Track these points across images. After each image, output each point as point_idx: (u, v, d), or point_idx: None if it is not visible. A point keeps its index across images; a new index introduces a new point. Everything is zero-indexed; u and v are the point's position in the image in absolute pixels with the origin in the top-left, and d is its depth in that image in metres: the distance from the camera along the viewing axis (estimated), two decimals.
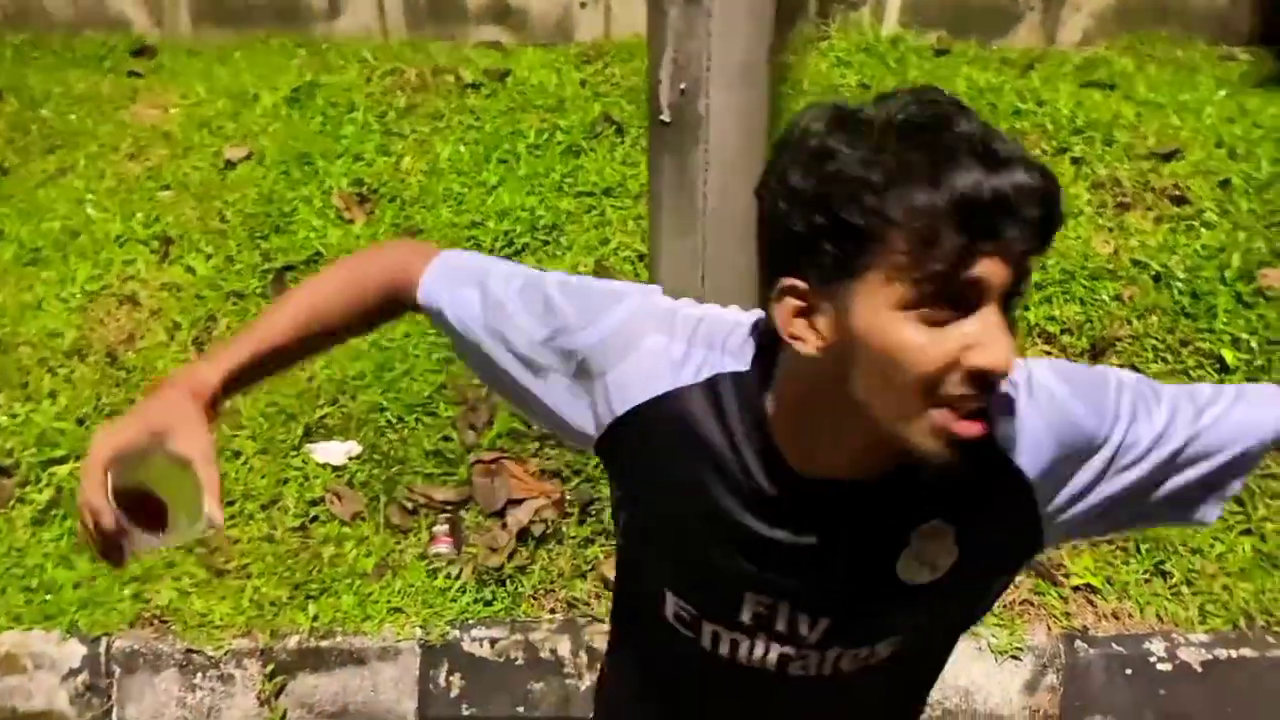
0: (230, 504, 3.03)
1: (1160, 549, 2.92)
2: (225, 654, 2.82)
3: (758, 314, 1.14)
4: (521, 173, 3.88)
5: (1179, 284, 3.34)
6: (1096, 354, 3.24)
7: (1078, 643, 2.79)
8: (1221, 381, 3.15)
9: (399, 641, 2.81)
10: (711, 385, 1.12)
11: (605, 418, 1.18)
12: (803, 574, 1.15)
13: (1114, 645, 2.79)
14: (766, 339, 1.11)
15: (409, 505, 3.03)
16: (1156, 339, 3.25)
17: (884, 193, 0.90)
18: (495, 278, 1.24)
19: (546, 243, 3.63)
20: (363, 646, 2.82)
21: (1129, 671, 2.77)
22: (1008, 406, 1.09)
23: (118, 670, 2.85)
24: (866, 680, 1.24)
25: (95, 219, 3.79)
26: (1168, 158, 3.83)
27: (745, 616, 1.19)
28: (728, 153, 2.60)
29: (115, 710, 2.83)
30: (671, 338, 1.15)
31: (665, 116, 2.60)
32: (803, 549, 1.13)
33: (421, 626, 2.84)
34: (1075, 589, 2.89)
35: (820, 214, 0.93)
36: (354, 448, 3.14)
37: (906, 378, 0.94)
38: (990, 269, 0.91)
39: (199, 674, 2.83)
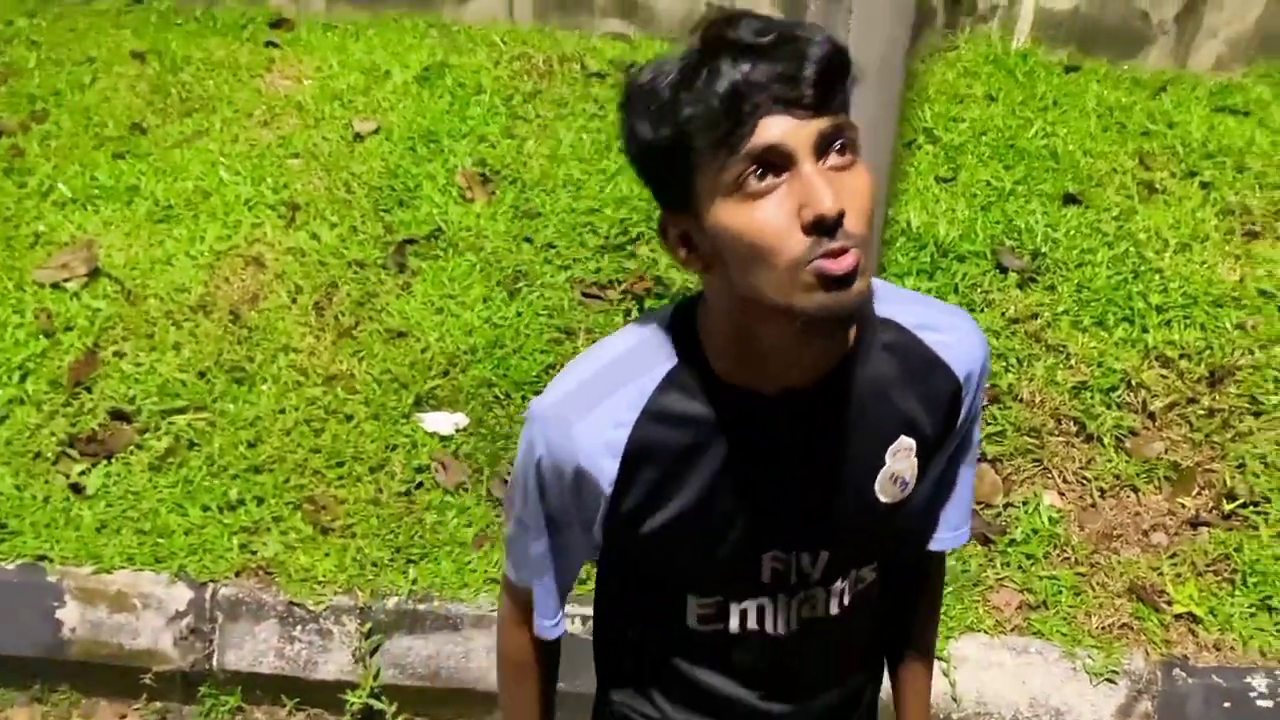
0: (339, 465, 3.11)
1: (1268, 583, 2.85)
2: (325, 609, 2.89)
3: (655, 319, 1.26)
4: None
5: None
6: (1215, 381, 3.17)
7: (1176, 670, 2.74)
8: None
9: (494, 611, 2.86)
10: (650, 408, 1.20)
11: (598, 507, 1.26)
12: (800, 509, 1.25)
13: (1214, 676, 2.73)
14: (680, 314, 1.23)
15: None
16: (1278, 370, 3.17)
17: (672, 104, 1.03)
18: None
19: None
20: (459, 613, 2.87)
21: (1227, 704, 2.71)
22: (951, 322, 1.27)
23: (221, 616, 2.94)
24: (858, 612, 1.37)
25: (227, 181, 3.89)
26: None
27: (766, 577, 1.29)
28: None
29: (216, 655, 2.92)
30: (589, 413, 1.22)
31: None
32: (795, 481, 1.23)
33: None
34: (1177, 617, 2.84)
35: (649, 149, 1.08)
36: (462, 420, 3.20)
37: (762, 253, 1.03)
38: (780, 128, 1.01)
39: (298, 626, 2.90)
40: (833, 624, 1.35)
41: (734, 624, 1.32)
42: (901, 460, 1.25)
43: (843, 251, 1.01)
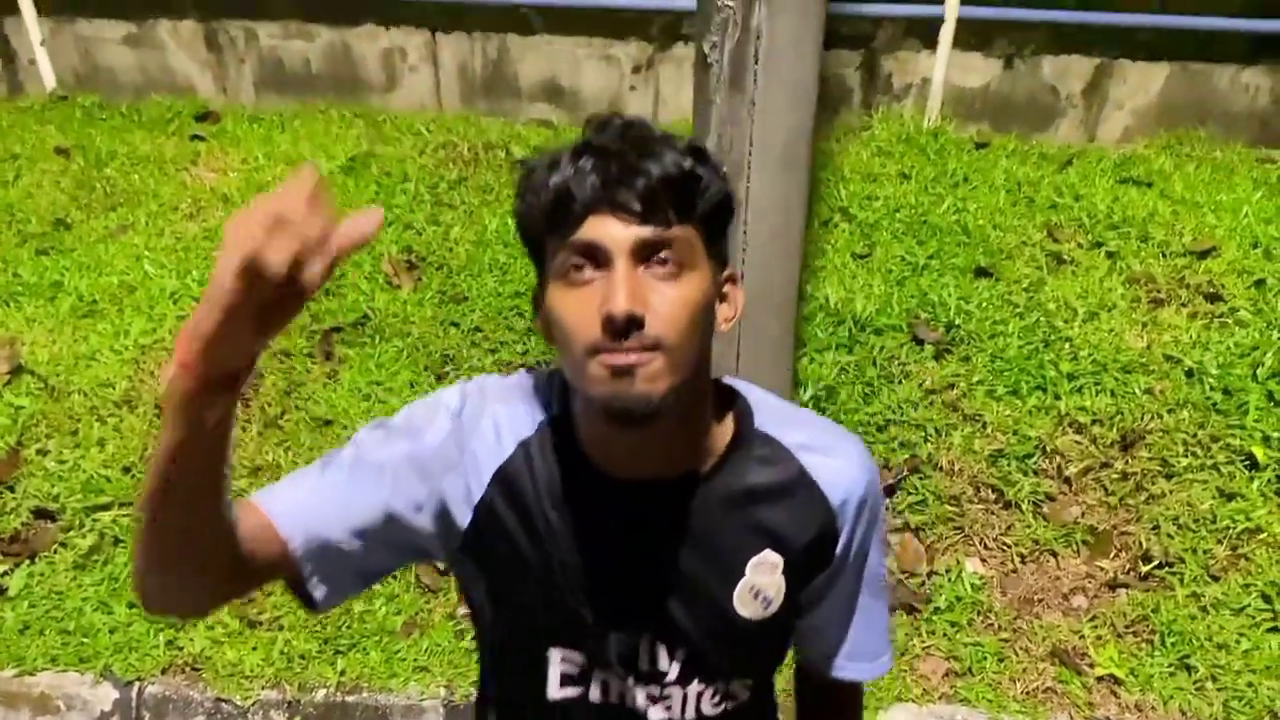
0: None
1: (1185, 642, 2.92)
2: (253, 704, 2.87)
3: (546, 372, 1.29)
4: None
5: (1211, 380, 3.36)
6: (1127, 445, 3.26)
7: None
8: (1253, 477, 3.17)
9: (423, 700, 2.85)
10: (526, 444, 1.23)
11: (464, 515, 1.23)
12: (646, 599, 1.24)
13: None
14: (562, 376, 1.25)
15: (439, 566, 3.08)
16: (1187, 434, 3.26)
17: (530, 190, 1.13)
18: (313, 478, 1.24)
19: None
20: (388, 703, 2.85)
21: None
22: (836, 447, 1.26)
23: (148, 715, 2.90)
24: None
25: (152, 275, 3.90)
26: (1203, 255, 3.88)
27: (612, 654, 1.26)
28: (767, 234, 2.68)
29: None
30: (507, 405, 1.25)
31: None
32: (642, 569, 1.23)
33: (446, 686, 2.87)
34: (1099, 679, 2.89)
35: (518, 226, 1.17)
36: None
37: (567, 337, 1.10)
38: (602, 228, 1.07)
39: None
40: None
41: (594, 693, 1.29)
42: (764, 574, 1.24)
43: (629, 351, 1.06)
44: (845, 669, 1.39)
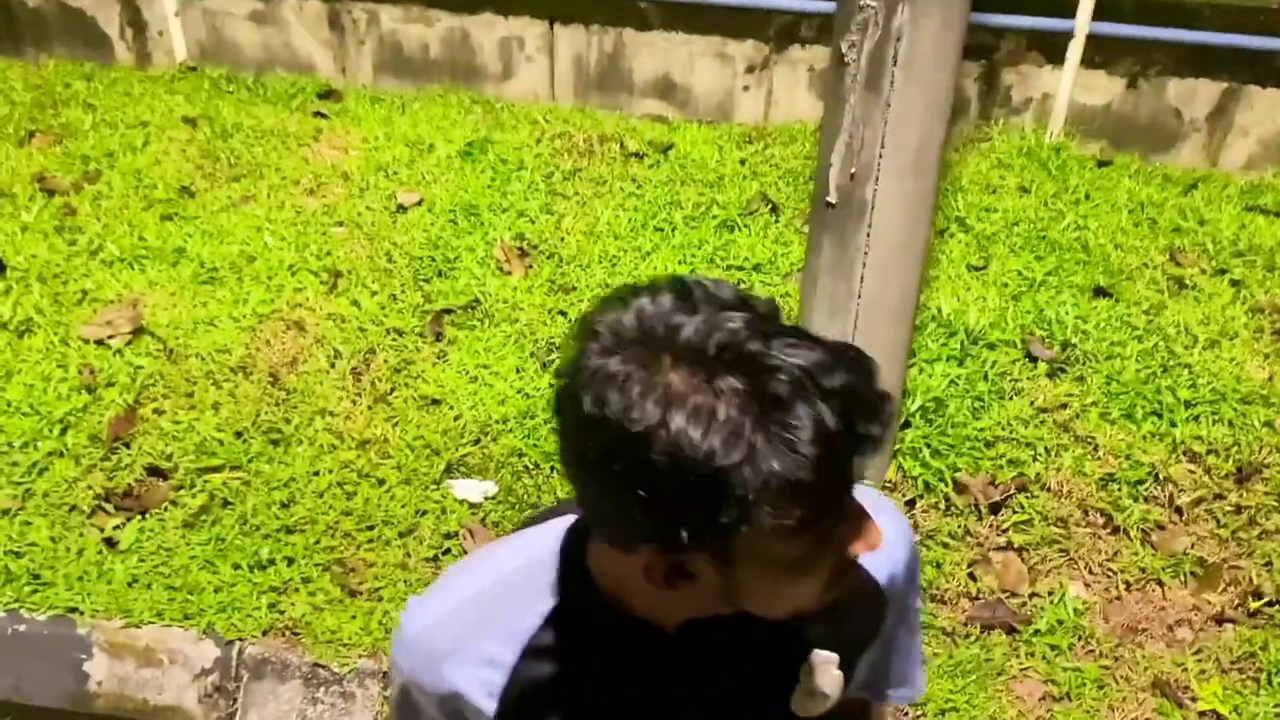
0: (370, 528, 3.14)
1: None
2: (350, 672, 2.91)
3: (546, 543, 1.12)
4: (676, 242, 3.99)
5: None
6: (1243, 478, 3.17)
7: None
8: None
9: None
10: (532, 644, 1.09)
11: None
12: None
13: None
14: (571, 540, 1.10)
15: None
16: None
17: (736, 465, 0.82)
18: None
19: None
20: None
21: None
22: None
23: (246, 675, 2.96)
24: None
25: (271, 246, 3.98)
26: None
27: None
28: (890, 240, 2.66)
29: (239, 714, 2.93)
30: (463, 651, 1.11)
31: (832, 198, 2.66)
32: (695, 712, 1.12)
33: None
34: (1201, 714, 2.82)
35: (670, 486, 0.84)
36: (491, 487, 3.24)
37: (798, 601, 0.96)
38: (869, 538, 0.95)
39: (322, 688, 2.92)
40: None
41: None
42: (821, 676, 1.15)
43: None
44: (875, 694, 1.36)
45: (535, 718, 1.10)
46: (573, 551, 1.09)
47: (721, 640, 1.08)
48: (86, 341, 3.61)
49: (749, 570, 0.90)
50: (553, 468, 3.26)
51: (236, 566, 3.09)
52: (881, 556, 1.10)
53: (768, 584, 0.92)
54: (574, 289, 3.78)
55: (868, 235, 2.65)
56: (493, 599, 1.10)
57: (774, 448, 0.81)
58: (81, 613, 2.99)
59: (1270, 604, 3.00)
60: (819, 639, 1.14)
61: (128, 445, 3.34)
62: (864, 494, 1.02)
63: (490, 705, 1.09)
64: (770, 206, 4.21)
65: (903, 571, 1.21)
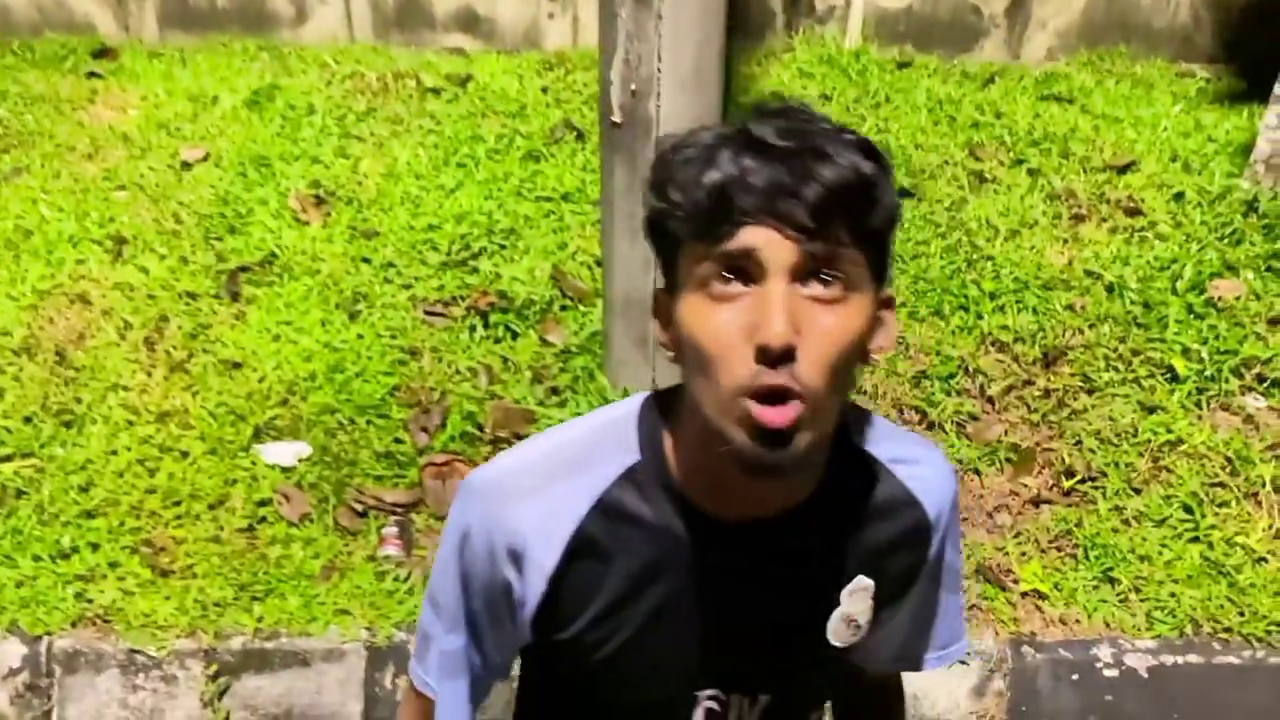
0: (177, 504, 3.00)
1: (1108, 555, 2.93)
2: (168, 655, 2.79)
3: (624, 407, 1.15)
4: (480, 177, 3.88)
5: (1131, 294, 3.36)
6: (1049, 362, 3.25)
7: (1025, 648, 2.79)
8: (1173, 390, 3.18)
9: (344, 644, 2.79)
10: (604, 500, 1.09)
11: (525, 602, 1.12)
12: (746, 648, 1.14)
13: (1061, 650, 2.79)
14: (649, 407, 1.12)
15: (358, 507, 3.01)
16: (1108, 349, 3.26)
17: (666, 187, 0.96)
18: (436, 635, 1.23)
19: (504, 246, 3.62)
20: (308, 648, 2.78)
21: (1075, 677, 2.77)
22: (924, 455, 1.17)
23: (58, 670, 2.81)
24: None
25: (49, 218, 3.75)
26: (1123, 170, 3.87)
27: (699, 718, 1.18)
28: None
29: (56, 710, 2.79)
30: (535, 495, 1.10)
31: (616, 118, 2.61)
32: (744, 617, 1.12)
33: (368, 629, 2.81)
34: (1023, 594, 2.90)
35: (648, 219, 1.00)
36: (304, 449, 3.12)
37: (706, 361, 0.95)
38: (762, 238, 0.91)
39: (141, 674, 2.79)
40: None
41: None
42: (858, 602, 1.15)
43: (783, 396, 0.92)
44: (926, 663, 1.33)
45: (588, 579, 1.09)
46: (653, 413, 1.11)
47: (776, 555, 1.09)
48: None
49: (682, 303, 0.97)
50: (368, 420, 3.16)
51: (37, 558, 2.92)
52: (929, 485, 1.15)
53: (693, 315, 0.95)
54: (376, 234, 3.66)
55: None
56: (572, 453, 1.11)
57: (690, 166, 0.95)
58: None
59: (1082, 481, 3.09)
60: (861, 565, 1.14)
61: None
62: (914, 437, 1.20)
63: (552, 560, 1.08)
64: (576, 134, 4.13)
65: (948, 514, 1.18)
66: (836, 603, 1.14)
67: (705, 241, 0.93)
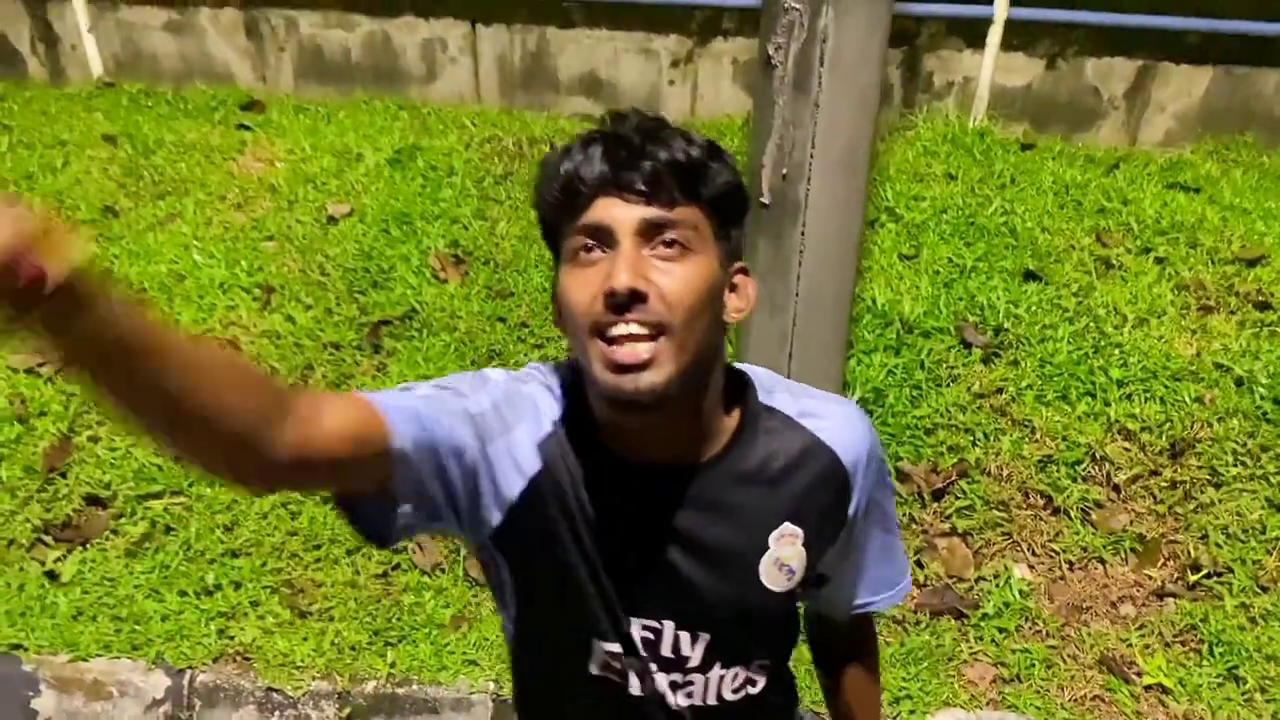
0: (317, 547, 3.11)
1: (1234, 653, 2.91)
2: (304, 694, 2.89)
3: (558, 366, 1.31)
4: None
5: (1261, 389, 3.35)
6: (1176, 454, 3.25)
7: None
8: None
9: (472, 694, 2.87)
10: (555, 431, 1.23)
11: (514, 486, 1.19)
12: (671, 584, 1.26)
13: None
14: (574, 367, 1.27)
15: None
16: (1237, 443, 3.25)
17: (539, 183, 1.18)
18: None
19: None
20: (437, 696, 2.87)
21: None
22: (834, 409, 1.31)
23: (199, 703, 2.93)
24: (745, 714, 1.36)
25: (200, 264, 3.92)
26: (1252, 263, 3.85)
27: (639, 643, 1.29)
28: (824, 237, 2.68)
29: None
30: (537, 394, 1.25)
31: (766, 199, 2.68)
32: (666, 555, 1.24)
33: (495, 680, 2.89)
34: (1147, 688, 2.89)
35: (537, 215, 1.21)
36: None
37: (571, 314, 1.13)
38: (607, 209, 1.12)
39: (277, 712, 2.89)
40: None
41: (633, 684, 1.31)
42: (786, 547, 1.27)
43: (628, 339, 1.08)
44: (871, 604, 1.46)
45: (532, 526, 1.21)
46: (575, 372, 1.26)
47: (693, 499, 1.23)
48: (16, 371, 3.54)
49: (562, 272, 1.16)
50: None
51: (183, 594, 3.06)
52: (842, 435, 1.28)
53: (563, 282, 1.15)
54: (511, 294, 3.77)
55: (802, 234, 2.67)
56: (531, 398, 1.24)
57: (553, 163, 1.16)
58: (26, 649, 2.94)
59: (1208, 576, 3.08)
60: (785, 513, 1.27)
61: (64, 475, 3.28)
62: (824, 394, 1.33)
63: (533, 462, 1.20)
64: None
65: (865, 462, 1.30)
66: (766, 548, 1.26)
67: (569, 217, 1.14)
